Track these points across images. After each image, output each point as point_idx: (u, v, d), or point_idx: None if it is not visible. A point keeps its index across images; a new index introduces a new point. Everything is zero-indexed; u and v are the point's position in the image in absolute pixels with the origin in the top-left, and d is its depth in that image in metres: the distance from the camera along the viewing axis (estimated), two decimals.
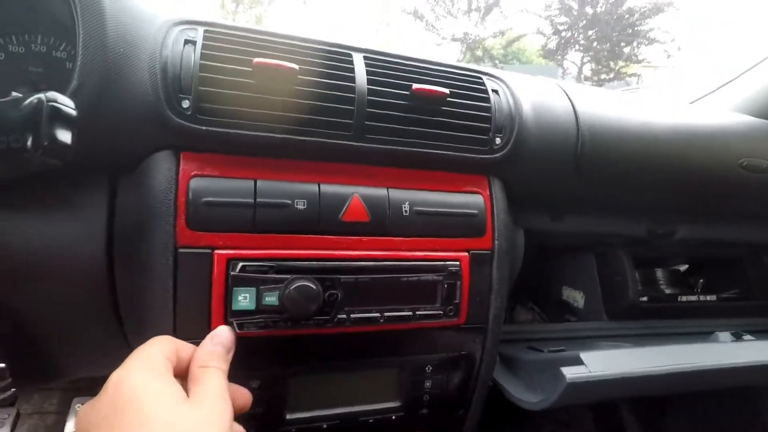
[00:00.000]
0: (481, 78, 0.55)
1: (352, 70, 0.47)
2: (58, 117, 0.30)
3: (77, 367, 0.56)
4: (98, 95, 0.39)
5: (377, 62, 0.50)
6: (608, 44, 11.13)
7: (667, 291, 0.88)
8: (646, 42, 11.04)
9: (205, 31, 0.45)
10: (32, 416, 0.99)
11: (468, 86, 0.53)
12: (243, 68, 0.43)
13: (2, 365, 0.43)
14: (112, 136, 0.42)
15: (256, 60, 0.43)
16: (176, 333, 0.43)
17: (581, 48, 11.74)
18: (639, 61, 11.52)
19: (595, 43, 11.35)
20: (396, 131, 0.48)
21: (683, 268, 0.94)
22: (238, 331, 0.43)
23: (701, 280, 0.90)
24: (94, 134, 0.40)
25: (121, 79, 0.41)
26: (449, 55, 13.06)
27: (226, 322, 0.44)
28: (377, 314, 0.48)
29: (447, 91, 0.49)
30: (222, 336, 0.38)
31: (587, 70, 12.04)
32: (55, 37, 0.46)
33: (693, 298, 0.88)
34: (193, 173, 0.43)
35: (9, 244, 0.41)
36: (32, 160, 0.29)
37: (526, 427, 1.11)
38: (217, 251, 0.43)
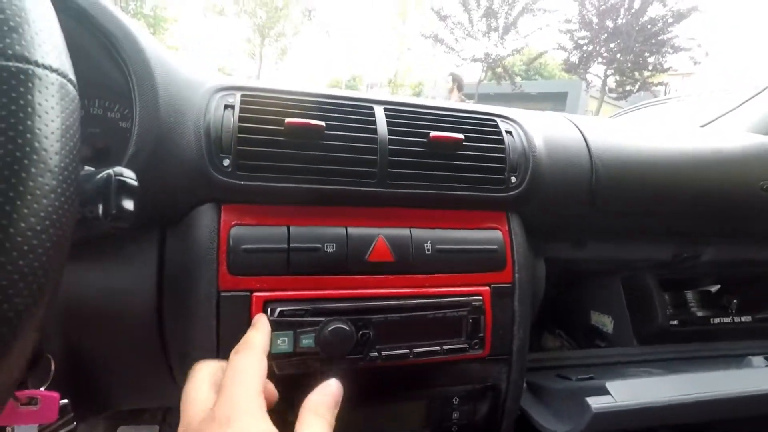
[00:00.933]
0: (495, 120, 0.58)
1: (374, 122, 0.52)
2: (124, 189, 0.35)
3: (126, 399, 0.61)
4: (151, 159, 0.45)
5: (397, 112, 0.54)
6: (631, 55, 10.98)
7: (699, 313, 0.86)
8: (671, 50, 10.84)
9: (242, 96, 0.50)
10: None
11: (482, 129, 0.56)
12: (276, 128, 0.48)
13: (66, 401, 0.48)
14: (162, 193, 0.47)
15: (287, 120, 0.48)
16: None
17: (604, 61, 11.62)
18: (665, 70, 11.30)
19: (618, 55, 11.22)
20: (416, 176, 0.52)
21: (715, 288, 0.93)
22: (277, 372, 0.46)
23: (735, 301, 0.89)
24: (147, 193, 0.46)
25: (171, 143, 0.46)
26: (470, 74, 13.18)
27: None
28: (406, 350, 0.51)
29: (462, 136, 0.53)
30: (332, 387, 0.38)
31: (611, 82, 11.88)
32: (110, 101, 0.53)
33: (727, 319, 0.86)
34: (233, 223, 0.48)
35: (77, 293, 0.47)
36: (102, 227, 0.34)
37: None
38: (255, 293, 0.47)
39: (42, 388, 0.46)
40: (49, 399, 0.46)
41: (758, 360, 0.65)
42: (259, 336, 0.41)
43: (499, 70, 12.49)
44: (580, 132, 0.64)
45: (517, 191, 0.56)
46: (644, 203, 0.65)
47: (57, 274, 0.24)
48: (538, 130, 0.60)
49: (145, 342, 0.51)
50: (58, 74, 0.25)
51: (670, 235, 0.73)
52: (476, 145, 0.55)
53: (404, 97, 0.59)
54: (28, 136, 0.22)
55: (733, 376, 0.60)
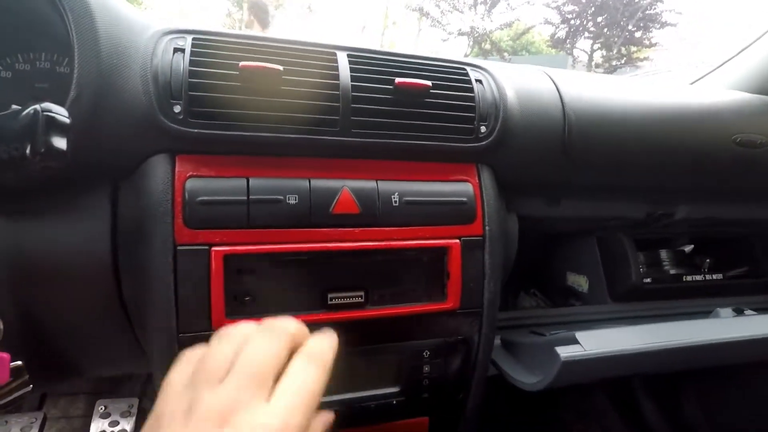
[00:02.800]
0: (464, 69, 0.56)
1: (336, 68, 0.49)
2: (53, 125, 0.32)
3: (93, 365, 0.59)
4: (94, 104, 0.42)
5: (361, 59, 0.51)
6: (618, 30, 10.93)
7: (672, 272, 0.87)
8: (658, 25, 10.81)
9: (194, 39, 0.47)
10: (59, 420, 1.04)
11: (451, 77, 0.54)
12: (230, 72, 0.46)
13: (19, 363, 0.46)
14: (110, 142, 0.44)
15: (242, 63, 0.45)
16: (179, 328, 0.45)
17: (591, 35, 11.56)
18: (652, 45, 11.29)
19: (605, 30, 11.17)
20: (382, 125, 0.50)
21: (689, 248, 0.93)
22: None
23: (707, 260, 0.90)
24: (92, 141, 0.43)
25: (116, 88, 0.43)
26: (456, 49, 13.02)
27: (226, 316, 0.46)
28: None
29: (429, 83, 0.51)
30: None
31: (598, 57, 11.85)
32: (57, 54, 0.49)
33: (699, 277, 0.87)
34: (188, 174, 0.46)
35: (22, 249, 0.44)
36: (32, 167, 0.32)
37: (553, 426, 1.11)
38: (214, 248, 0.45)
39: None
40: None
41: (726, 311, 0.66)
42: (328, 349, 0.34)
43: (486, 45, 12.33)
44: (554, 83, 0.62)
45: (487, 141, 0.54)
46: (617, 156, 0.64)
47: None
48: (509, 80, 0.58)
49: (105, 304, 0.49)
50: None
51: (643, 192, 0.72)
52: (444, 93, 0.53)
53: (369, 45, 0.57)
54: None
55: (700, 326, 0.61)
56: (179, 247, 0.45)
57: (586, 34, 11.63)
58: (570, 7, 11.47)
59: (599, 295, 0.86)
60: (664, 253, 0.90)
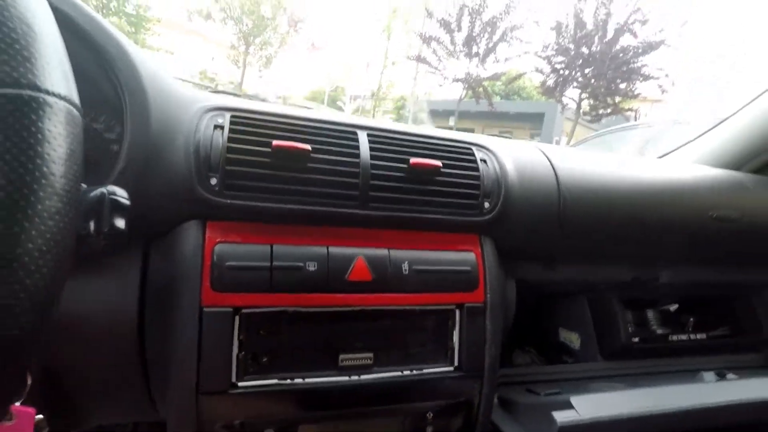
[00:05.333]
0: (470, 149, 0.62)
1: (357, 147, 0.55)
2: (117, 207, 0.36)
3: (102, 415, 0.61)
4: (140, 174, 0.46)
5: (379, 138, 0.57)
6: (604, 81, 11.46)
7: (659, 331, 0.91)
8: (641, 78, 11.37)
9: (232, 116, 0.52)
10: None
11: (459, 157, 0.60)
12: (263, 149, 0.50)
13: (41, 417, 0.47)
14: (148, 208, 0.48)
15: (275, 143, 0.50)
16: (199, 386, 0.48)
17: (579, 85, 12.08)
18: (635, 96, 11.83)
19: (592, 81, 11.70)
20: (396, 199, 0.55)
21: (673, 308, 0.98)
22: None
23: (691, 319, 0.94)
24: (133, 208, 0.47)
25: (160, 161, 0.48)
26: (452, 93, 13.48)
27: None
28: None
29: (440, 163, 0.56)
30: None
31: (585, 105, 12.34)
32: (95, 111, 0.54)
33: (684, 337, 0.92)
34: (217, 240, 0.50)
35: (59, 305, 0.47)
36: (94, 244, 0.35)
37: None
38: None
39: (17, 403, 0.46)
40: (25, 414, 0.45)
41: (709, 375, 0.70)
42: None
43: (480, 90, 12.82)
44: (549, 161, 0.68)
45: (490, 216, 0.59)
46: (606, 229, 0.69)
47: (59, 292, 0.26)
48: (510, 159, 0.64)
49: (125, 358, 0.51)
50: (66, 101, 0.27)
51: (630, 258, 0.78)
52: (453, 171, 0.58)
53: (386, 122, 0.63)
54: (38, 161, 0.24)
55: (686, 390, 0.65)
56: (205, 309, 0.48)
57: (575, 83, 12.16)
58: (559, 58, 12.03)
59: (591, 353, 0.89)
60: (650, 313, 0.94)
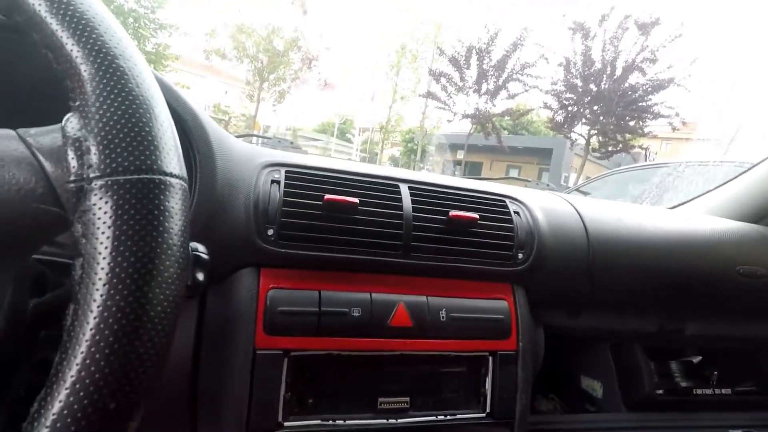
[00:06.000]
0: (504, 201, 0.65)
1: (400, 200, 0.59)
2: (198, 263, 0.40)
3: None
4: (206, 228, 0.50)
5: (420, 191, 0.61)
6: (613, 118, 11.58)
7: (683, 384, 0.91)
8: (651, 116, 11.48)
9: (286, 172, 0.56)
10: None
11: (494, 209, 0.63)
12: (316, 202, 0.55)
13: None
14: (213, 258, 0.52)
15: (327, 197, 0.54)
16: (249, 425, 0.50)
17: (587, 122, 12.22)
18: (645, 134, 11.91)
19: (601, 117, 11.82)
20: (436, 249, 0.58)
21: (697, 359, 0.98)
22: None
23: (715, 373, 0.94)
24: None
25: (224, 214, 0.52)
26: (461, 127, 13.72)
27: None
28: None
29: (477, 216, 0.60)
30: None
31: (594, 142, 12.45)
32: None
33: (708, 391, 0.91)
34: (270, 286, 0.53)
35: None
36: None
37: None
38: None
39: None
40: None
41: None
42: None
43: (489, 125, 13.03)
44: (577, 212, 0.71)
45: (523, 266, 0.62)
46: (633, 280, 0.72)
47: (170, 347, 0.29)
48: (541, 210, 0.68)
49: (177, 396, 0.54)
50: (182, 180, 0.31)
51: (656, 309, 0.80)
52: (489, 223, 0.62)
53: (425, 175, 0.67)
54: (165, 235, 0.28)
55: None
56: (258, 351, 0.51)
57: (583, 120, 12.30)
58: (568, 95, 12.22)
59: (614, 402, 0.89)
60: (674, 365, 0.94)
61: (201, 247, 0.41)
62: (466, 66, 12.59)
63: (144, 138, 0.28)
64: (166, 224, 0.28)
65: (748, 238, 0.83)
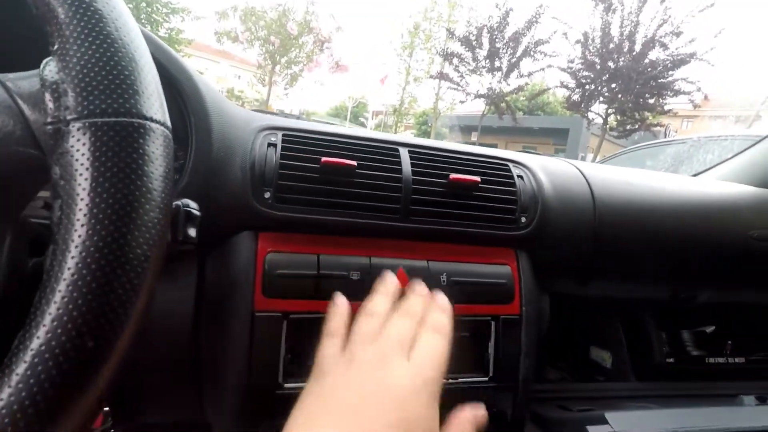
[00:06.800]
0: (507, 165, 0.64)
1: (399, 163, 0.57)
2: (190, 218, 0.40)
3: (153, 412, 0.64)
4: (201, 189, 0.50)
5: (420, 155, 0.60)
6: (632, 96, 11.26)
7: (695, 353, 0.90)
8: (671, 93, 11.12)
9: (283, 135, 0.56)
10: None
11: (497, 173, 0.62)
12: (313, 165, 0.54)
13: (107, 409, 0.51)
14: (208, 221, 0.52)
15: (323, 159, 0.53)
16: (250, 383, 0.51)
17: (605, 100, 11.90)
18: (665, 112, 11.56)
19: (619, 96, 11.50)
20: (436, 213, 0.57)
21: (710, 329, 0.96)
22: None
23: (729, 342, 0.92)
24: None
25: (220, 176, 0.52)
26: (475, 108, 13.50)
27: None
28: None
29: (479, 179, 0.59)
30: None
31: (612, 121, 12.14)
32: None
33: (721, 359, 0.90)
34: (268, 250, 0.53)
35: None
36: (171, 251, 0.39)
37: None
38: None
39: None
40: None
41: (749, 399, 0.69)
42: (446, 321, 0.47)
43: (503, 105, 12.78)
44: (584, 176, 0.69)
45: (526, 230, 0.61)
46: (641, 245, 0.70)
47: (153, 297, 0.29)
48: (546, 175, 0.66)
49: (179, 359, 0.55)
50: (164, 126, 0.30)
51: (667, 276, 0.78)
52: (491, 187, 0.60)
53: (425, 140, 0.65)
54: (145, 178, 0.28)
55: (725, 412, 0.64)
56: (257, 314, 0.51)
57: (601, 98, 11.98)
58: (585, 73, 11.90)
59: (623, 372, 0.88)
60: (686, 334, 0.93)
61: (192, 204, 0.41)
62: (477, 45, 12.32)
63: (123, 81, 0.28)
64: (146, 168, 0.28)
65: (763, 203, 0.80)
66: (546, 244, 0.64)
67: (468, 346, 0.60)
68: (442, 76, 13.23)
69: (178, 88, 0.51)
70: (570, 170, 0.71)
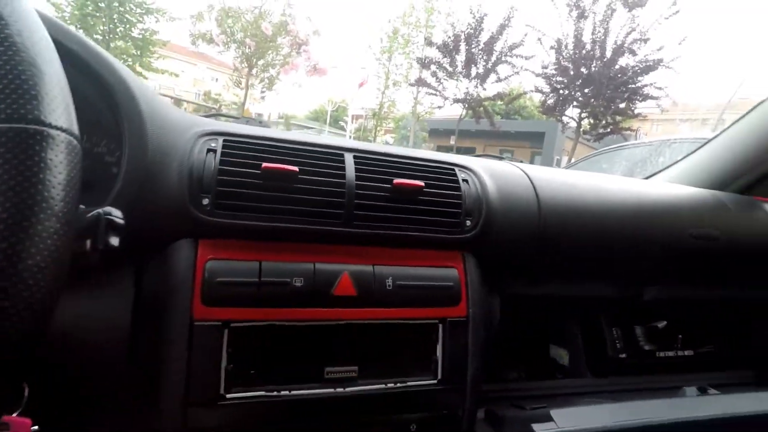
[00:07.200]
0: (453, 169, 0.65)
1: (344, 168, 0.58)
2: (111, 227, 0.39)
3: (96, 426, 0.62)
4: (136, 195, 0.49)
5: (364, 160, 0.60)
6: (603, 101, 11.56)
7: (646, 347, 0.93)
8: (640, 98, 11.46)
9: (224, 141, 0.55)
10: None
11: (441, 177, 0.63)
12: (253, 171, 0.54)
13: (36, 428, 0.49)
14: (144, 228, 0.51)
15: (264, 165, 0.53)
16: (189, 397, 0.50)
17: (579, 105, 12.18)
18: (635, 116, 11.91)
19: (591, 100, 11.79)
20: (380, 218, 0.58)
21: (662, 324, 1.00)
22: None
23: (680, 336, 0.96)
24: (130, 227, 0.50)
25: (156, 183, 0.51)
26: (453, 112, 13.65)
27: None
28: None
29: (423, 183, 0.59)
30: None
31: (586, 124, 12.42)
32: (97, 136, 0.57)
33: (671, 353, 0.93)
34: (209, 257, 0.52)
35: (56, 319, 0.50)
36: (89, 261, 0.38)
37: None
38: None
39: (14, 414, 0.48)
40: (21, 425, 0.47)
41: (691, 390, 0.71)
42: None
43: (480, 109, 12.95)
44: (530, 180, 0.71)
45: (471, 233, 0.62)
46: (585, 246, 0.72)
47: (54, 305, 0.29)
48: (491, 178, 0.67)
49: (117, 370, 0.53)
50: (67, 133, 0.30)
51: (613, 275, 0.80)
52: (435, 191, 0.61)
53: (372, 144, 0.66)
54: (39, 187, 0.27)
55: (667, 404, 0.66)
56: (196, 323, 0.50)
57: (575, 103, 12.26)
58: (559, 78, 12.16)
59: (580, 368, 0.91)
60: (638, 330, 0.96)
61: (115, 211, 0.40)
62: (455, 51, 12.48)
63: (19, 86, 0.27)
64: (42, 176, 0.27)
65: (703, 204, 0.84)
66: (492, 246, 0.65)
67: (416, 350, 0.60)
68: (420, 82, 13.34)
69: (108, 90, 0.50)
70: (516, 173, 0.72)
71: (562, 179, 0.75)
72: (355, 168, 0.58)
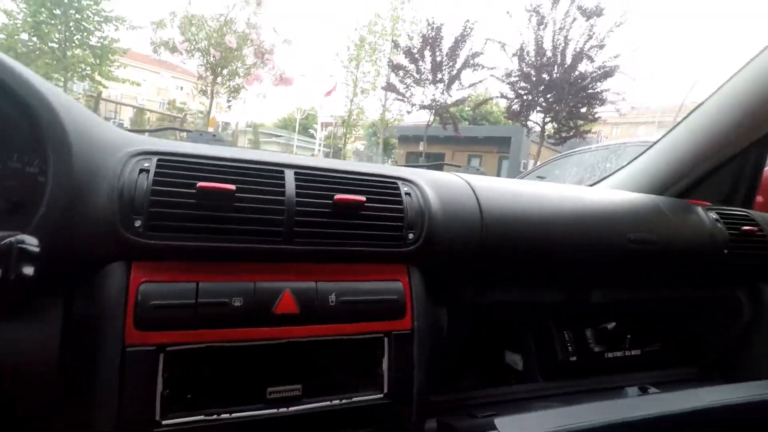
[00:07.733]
0: (395, 183, 0.65)
1: (283, 185, 0.57)
2: (24, 256, 0.37)
3: None
4: (62, 218, 0.47)
5: (305, 176, 0.60)
6: (565, 106, 11.99)
7: (596, 349, 0.96)
8: (599, 102, 11.95)
9: (158, 160, 0.54)
10: None
11: (384, 191, 0.63)
12: (188, 190, 0.52)
13: None
14: (72, 252, 0.49)
15: (199, 184, 0.52)
16: (121, 424, 0.48)
17: (542, 110, 12.58)
18: (595, 120, 12.40)
19: (554, 105, 12.21)
20: (321, 234, 0.58)
21: (611, 326, 1.03)
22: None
23: (628, 336, 0.99)
24: (57, 251, 0.48)
25: (84, 205, 0.49)
26: (422, 118, 13.84)
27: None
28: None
29: (364, 198, 0.60)
30: None
31: (549, 129, 12.83)
32: (29, 155, 0.55)
33: (619, 353, 0.97)
34: (142, 280, 0.51)
35: None
36: (7, 290, 0.37)
37: None
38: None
39: None
40: None
41: (632, 390, 0.74)
42: None
43: (446, 115, 13.19)
44: (473, 191, 0.72)
45: (414, 246, 0.63)
46: (531, 254, 0.74)
47: None
48: (434, 191, 0.68)
49: (47, 399, 0.51)
50: None
51: (560, 280, 0.82)
52: (377, 205, 0.61)
53: (314, 160, 0.66)
54: None
55: (609, 406, 0.68)
56: (128, 349, 0.49)
57: (538, 108, 12.66)
58: (522, 84, 12.54)
59: (533, 373, 0.93)
60: (588, 332, 0.99)
61: (29, 239, 0.39)
62: (420, 58, 12.69)
63: None
64: None
65: (641, 208, 0.88)
66: (436, 257, 0.66)
67: (361, 365, 0.60)
68: (389, 87, 13.48)
69: (31, 113, 0.48)
70: (459, 184, 0.74)
71: (505, 188, 0.77)
72: (296, 185, 0.58)
